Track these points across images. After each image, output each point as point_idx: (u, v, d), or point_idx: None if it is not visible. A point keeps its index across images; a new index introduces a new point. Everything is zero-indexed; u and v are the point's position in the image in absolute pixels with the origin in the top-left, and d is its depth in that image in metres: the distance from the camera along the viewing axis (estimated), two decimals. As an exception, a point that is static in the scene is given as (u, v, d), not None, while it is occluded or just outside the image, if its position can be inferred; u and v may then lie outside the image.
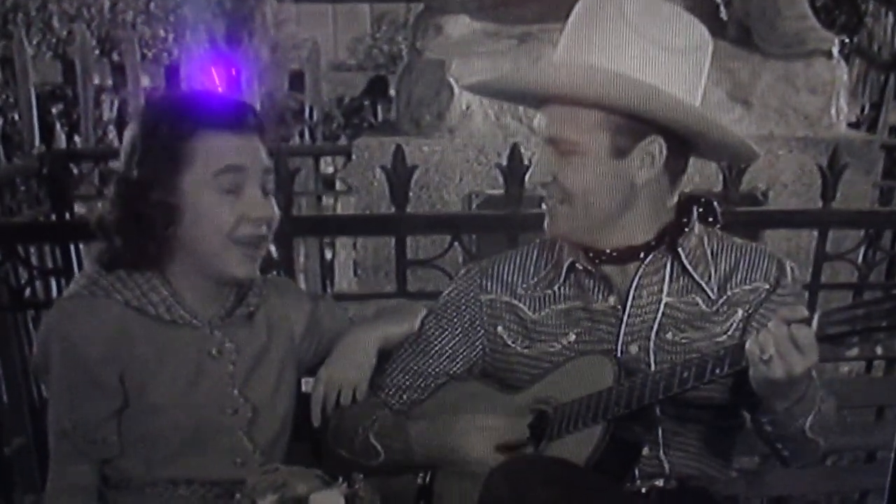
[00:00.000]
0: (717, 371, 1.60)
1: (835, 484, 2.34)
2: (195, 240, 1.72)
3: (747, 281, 1.78)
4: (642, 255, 1.76)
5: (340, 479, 1.58)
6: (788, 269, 1.80)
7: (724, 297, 1.77)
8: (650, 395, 1.63)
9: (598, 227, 1.75)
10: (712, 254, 1.79)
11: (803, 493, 2.32)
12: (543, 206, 1.79)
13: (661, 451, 1.73)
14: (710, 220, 1.82)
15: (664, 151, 1.72)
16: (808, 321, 1.55)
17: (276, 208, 1.78)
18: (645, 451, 1.71)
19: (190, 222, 1.71)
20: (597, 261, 1.78)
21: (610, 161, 1.71)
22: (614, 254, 1.77)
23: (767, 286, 1.78)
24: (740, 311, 1.76)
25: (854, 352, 1.57)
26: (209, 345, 1.77)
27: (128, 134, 1.76)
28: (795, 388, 1.60)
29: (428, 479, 1.80)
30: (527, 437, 1.72)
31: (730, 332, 1.75)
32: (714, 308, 1.76)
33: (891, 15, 7.85)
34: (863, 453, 2.55)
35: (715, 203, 1.84)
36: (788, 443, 1.73)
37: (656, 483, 1.73)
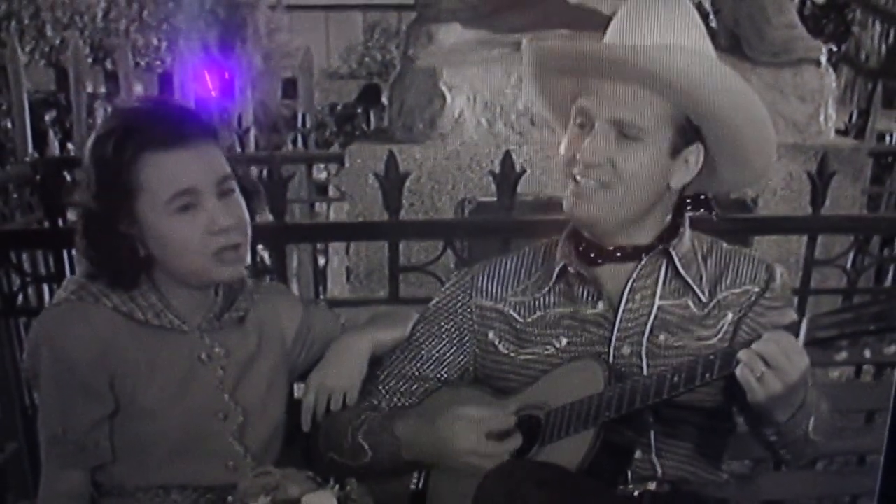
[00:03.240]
0: (708, 376, 1.61)
1: (826, 488, 2.35)
2: (168, 260, 1.71)
3: (737, 284, 1.79)
4: (643, 255, 1.77)
5: (332, 481, 1.58)
6: (777, 273, 1.81)
7: (715, 301, 1.78)
8: (641, 400, 1.64)
9: (624, 219, 1.75)
10: (703, 258, 1.81)
11: (795, 497, 2.33)
12: (572, 188, 1.75)
13: (654, 455, 1.74)
14: (704, 209, 1.82)
15: (700, 161, 1.75)
16: (797, 325, 1.56)
17: (242, 210, 1.74)
18: (637, 454, 1.71)
19: (157, 246, 1.70)
20: (599, 260, 1.78)
21: (666, 158, 1.73)
22: (618, 253, 1.78)
23: (757, 290, 1.79)
24: (730, 315, 1.77)
25: (843, 356, 1.58)
26: (198, 349, 1.77)
27: (82, 167, 1.73)
28: (795, 396, 1.61)
29: (421, 483, 1.80)
30: (516, 428, 1.72)
31: (720, 336, 1.76)
32: (705, 311, 1.77)
33: (877, 24, 7.89)
34: (853, 457, 2.56)
35: (705, 194, 1.83)
36: (792, 447, 1.74)
37: (649, 486, 1.74)
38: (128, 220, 1.68)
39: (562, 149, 1.79)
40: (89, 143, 1.73)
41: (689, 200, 1.82)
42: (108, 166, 1.67)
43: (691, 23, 1.75)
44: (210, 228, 1.69)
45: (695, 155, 1.76)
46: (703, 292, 1.78)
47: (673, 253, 1.77)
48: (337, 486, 1.56)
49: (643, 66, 1.68)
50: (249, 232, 1.76)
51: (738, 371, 1.57)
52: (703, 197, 1.83)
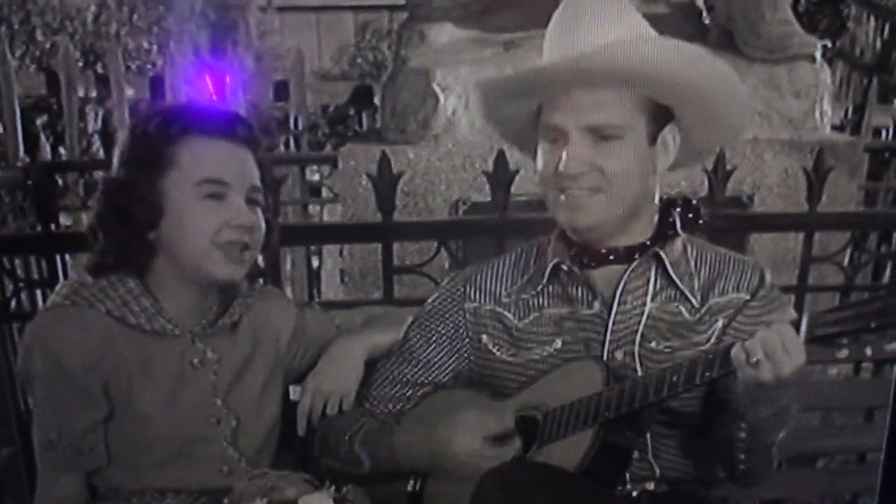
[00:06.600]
0: (707, 375, 1.59)
1: (826, 486, 2.35)
2: (176, 242, 1.71)
3: (729, 290, 1.78)
4: (635, 257, 1.76)
5: (328, 483, 1.58)
6: (767, 276, 1.80)
7: (707, 307, 1.76)
8: (640, 400, 1.62)
9: (620, 218, 1.74)
10: (695, 263, 1.79)
11: (794, 496, 2.33)
12: (562, 200, 1.73)
13: (651, 455, 1.73)
14: (692, 218, 1.80)
15: (678, 140, 1.76)
16: (796, 323, 1.55)
17: (261, 219, 1.76)
18: (635, 454, 1.70)
19: (171, 225, 1.70)
20: (592, 263, 1.77)
21: (647, 146, 1.73)
22: (610, 256, 1.77)
23: (747, 296, 1.78)
24: (721, 321, 1.76)
25: (844, 353, 1.57)
26: (190, 355, 1.77)
27: (121, 137, 1.77)
28: (783, 394, 1.59)
29: (419, 485, 1.79)
30: (514, 430, 1.71)
31: (712, 341, 1.75)
32: (697, 317, 1.76)
33: (872, 18, 7.88)
34: (853, 455, 2.56)
35: (695, 201, 1.83)
36: (754, 455, 1.73)
37: (647, 486, 1.73)
38: (149, 190, 1.69)
39: (539, 165, 1.77)
40: (134, 116, 1.78)
41: (679, 205, 1.81)
42: (147, 139, 1.71)
43: (629, 9, 1.75)
44: (230, 221, 1.71)
45: (671, 134, 1.76)
46: (695, 298, 1.76)
47: (663, 256, 1.76)
48: (333, 488, 1.56)
49: (611, 67, 1.67)
50: (259, 247, 1.78)
51: (733, 350, 1.56)
52: (691, 201, 1.82)
